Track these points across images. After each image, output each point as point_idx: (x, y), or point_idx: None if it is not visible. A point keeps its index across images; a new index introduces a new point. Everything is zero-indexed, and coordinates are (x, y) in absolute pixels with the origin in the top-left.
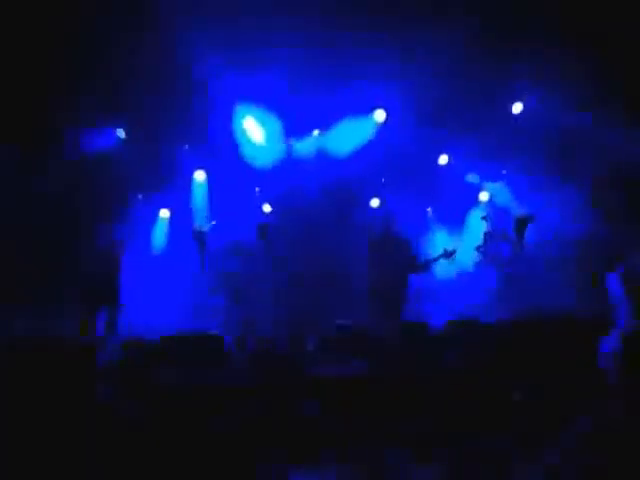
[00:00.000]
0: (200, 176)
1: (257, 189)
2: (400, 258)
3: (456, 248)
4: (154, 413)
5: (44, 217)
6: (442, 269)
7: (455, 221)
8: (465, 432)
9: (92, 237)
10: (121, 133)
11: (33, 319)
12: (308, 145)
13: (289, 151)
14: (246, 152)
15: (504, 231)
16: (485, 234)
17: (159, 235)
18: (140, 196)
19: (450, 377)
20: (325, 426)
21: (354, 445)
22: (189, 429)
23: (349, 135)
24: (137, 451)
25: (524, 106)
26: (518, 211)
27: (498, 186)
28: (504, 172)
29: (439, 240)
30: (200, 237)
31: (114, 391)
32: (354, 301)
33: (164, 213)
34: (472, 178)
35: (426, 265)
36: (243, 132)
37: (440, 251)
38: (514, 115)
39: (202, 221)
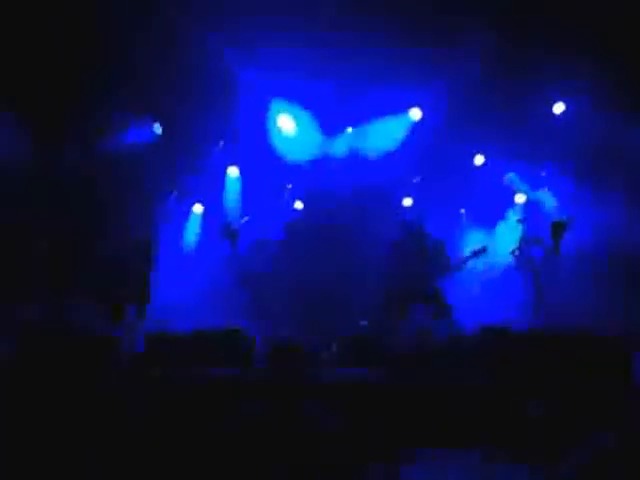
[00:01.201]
0: (233, 172)
1: (289, 186)
2: (429, 258)
3: (486, 245)
4: (167, 409)
5: (77, 212)
6: (472, 271)
7: (489, 223)
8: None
9: (125, 232)
10: (158, 129)
11: (57, 313)
12: (341, 143)
13: (322, 148)
14: (279, 149)
15: (539, 236)
16: (520, 238)
17: (191, 231)
18: (175, 192)
19: (471, 392)
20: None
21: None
22: (202, 425)
23: (383, 133)
24: (146, 447)
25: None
26: (556, 215)
27: (537, 189)
28: (543, 174)
29: (471, 241)
30: (231, 233)
31: (131, 384)
32: (375, 301)
33: (197, 209)
34: (510, 180)
35: (456, 266)
36: (277, 129)
37: (468, 252)
38: (554, 116)
39: (234, 217)
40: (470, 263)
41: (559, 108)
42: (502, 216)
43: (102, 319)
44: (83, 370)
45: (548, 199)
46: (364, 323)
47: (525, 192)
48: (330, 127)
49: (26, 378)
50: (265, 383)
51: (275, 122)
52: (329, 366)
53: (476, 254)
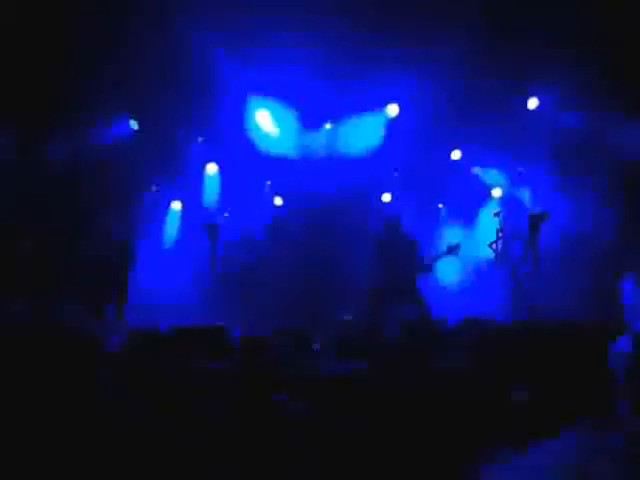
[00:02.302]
0: (212, 169)
1: (268, 182)
2: (406, 258)
3: (460, 242)
4: (154, 405)
5: (53, 209)
6: (451, 266)
7: (467, 218)
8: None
9: (102, 230)
10: (134, 124)
11: (38, 311)
12: (319, 138)
13: (300, 144)
14: (258, 145)
15: (516, 229)
16: (497, 231)
17: (170, 227)
18: (154, 188)
19: (452, 377)
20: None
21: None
22: (184, 420)
23: (361, 129)
24: (137, 446)
25: (539, 102)
26: (532, 208)
27: (511, 182)
28: (520, 169)
29: (450, 237)
30: (211, 229)
31: (115, 381)
32: (358, 298)
33: (176, 205)
34: (482, 173)
35: (430, 264)
36: (255, 125)
37: (443, 248)
38: (529, 111)
39: (213, 213)
40: (444, 259)
41: (533, 103)
42: (479, 211)
43: (84, 318)
44: (68, 369)
45: (524, 193)
46: (348, 317)
47: (497, 185)
48: (308, 122)
49: (11, 379)
50: (245, 378)
51: (253, 118)
52: (311, 361)
53: (450, 251)
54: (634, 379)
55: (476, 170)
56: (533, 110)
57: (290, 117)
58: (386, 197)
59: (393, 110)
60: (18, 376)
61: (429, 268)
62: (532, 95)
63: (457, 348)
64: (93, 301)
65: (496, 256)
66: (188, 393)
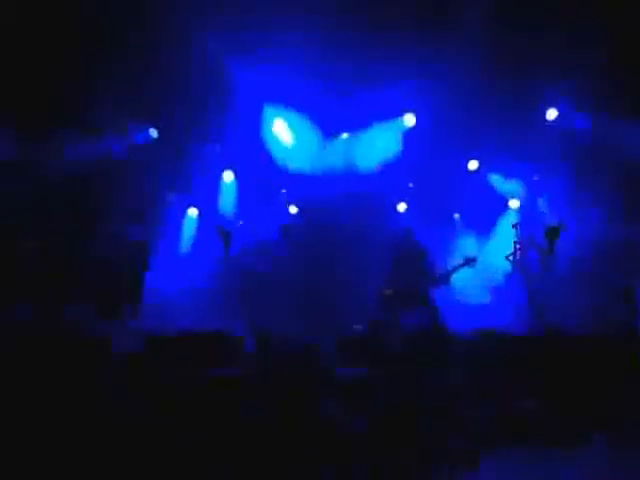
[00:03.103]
0: (229, 176)
1: (283, 190)
2: (420, 269)
3: (477, 255)
4: (161, 409)
5: (74, 214)
6: (467, 277)
7: (484, 227)
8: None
9: (121, 233)
10: (154, 132)
11: (46, 312)
12: (336, 148)
13: (317, 153)
14: (274, 154)
15: (534, 240)
16: (515, 243)
17: (187, 234)
18: (172, 195)
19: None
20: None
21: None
22: (196, 425)
23: (378, 138)
24: (145, 447)
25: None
26: (550, 220)
27: (529, 193)
28: (536, 178)
29: (465, 246)
30: (226, 236)
31: (125, 384)
32: (371, 307)
33: (192, 212)
34: (499, 184)
35: (446, 277)
36: (272, 134)
37: (460, 260)
38: (548, 122)
39: (229, 221)
40: (460, 271)
41: (552, 114)
42: (496, 221)
43: (97, 319)
44: (78, 370)
45: (541, 203)
46: (359, 327)
47: (514, 195)
48: (326, 131)
49: (21, 379)
50: (263, 383)
51: (271, 127)
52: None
53: (467, 262)
54: None
55: (493, 180)
56: (551, 120)
57: (307, 126)
58: (401, 207)
59: (410, 120)
60: (22, 375)
61: (446, 280)
62: (550, 106)
63: (474, 361)
64: (107, 301)
65: (513, 268)
66: (202, 399)
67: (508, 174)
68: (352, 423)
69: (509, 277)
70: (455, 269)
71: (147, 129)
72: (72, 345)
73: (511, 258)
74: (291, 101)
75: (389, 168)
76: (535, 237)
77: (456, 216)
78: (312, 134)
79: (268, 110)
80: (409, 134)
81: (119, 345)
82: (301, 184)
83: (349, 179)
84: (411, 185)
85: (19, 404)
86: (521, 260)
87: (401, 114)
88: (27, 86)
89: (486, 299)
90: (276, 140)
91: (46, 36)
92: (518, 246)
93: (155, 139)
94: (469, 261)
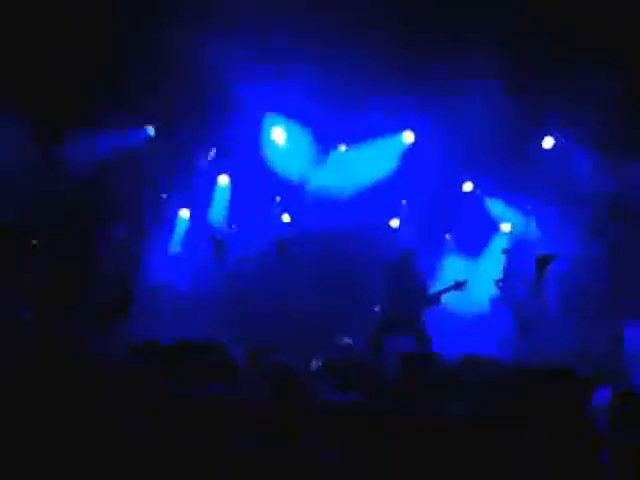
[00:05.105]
0: (223, 180)
1: (277, 198)
2: (413, 291)
3: (467, 279)
4: (153, 424)
5: (64, 216)
6: (455, 301)
7: (474, 250)
8: None
9: (110, 236)
10: (151, 131)
11: (39, 323)
12: (333, 160)
13: (313, 164)
14: (271, 161)
15: (523, 269)
16: (504, 270)
17: (178, 235)
18: (164, 196)
19: (453, 425)
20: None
21: None
22: (187, 446)
23: (375, 154)
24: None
25: (555, 141)
26: (540, 249)
27: (522, 220)
28: (529, 207)
29: (455, 267)
30: (219, 241)
31: (111, 396)
32: (361, 322)
33: (184, 213)
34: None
35: (435, 298)
36: (270, 141)
37: (451, 282)
38: (543, 150)
39: (221, 225)
40: (449, 294)
41: (548, 143)
42: (487, 244)
43: (86, 332)
44: (62, 384)
45: (533, 230)
46: (348, 341)
47: (506, 220)
48: (324, 143)
49: (19, 385)
50: (262, 408)
51: (269, 135)
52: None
53: (457, 286)
54: (613, 433)
55: (486, 203)
56: (547, 149)
57: (305, 137)
58: (394, 222)
59: (408, 137)
60: (13, 387)
61: (436, 301)
62: (548, 133)
63: (456, 390)
64: (100, 315)
65: (501, 294)
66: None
67: (502, 198)
68: (335, 456)
69: (496, 302)
70: (445, 290)
71: (145, 128)
72: (55, 359)
73: (500, 284)
74: (290, 112)
75: (385, 183)
76: (523, 268)
77: (447, 236)
78: (309, 145)
79: (268, 118)
80: (406, 152)
81: (106, 358)
82: (296, 194)
83: (344, 192)
84: (404, 202)
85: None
86: (509, 287)
87: (400, 131)
88: (26, 86)
89: (471, 321)
90: (273, 148)
91: (44, 35)
92: (507, 273)
93: (152, 139)
94: (460, 285)
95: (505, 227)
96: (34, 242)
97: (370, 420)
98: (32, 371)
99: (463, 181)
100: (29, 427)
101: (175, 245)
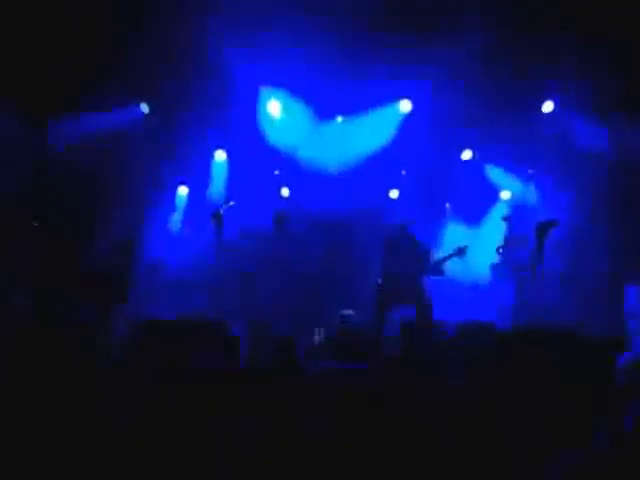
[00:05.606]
0: (221, 156)
1: (276, 172)
2: (414, 260)
3: (467, 245)
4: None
5: (63, 199)
6: (457, 268)
7: (474, 218)
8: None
9: (108, 220)
10: (145, 108)
11: (40, 309)
12: (330, 131)
13: (311, 136)
14: (268, 135)
15: (524, 236)
16: (505, 236)
17: (177, 212)
18: (161, 173)
19: (453, 394)
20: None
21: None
22: (189, 420)
23: (373, 124)
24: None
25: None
26: (541, 214)
27: (522, 185)
28: (530, 172)
29: (455, 236)
30: (217, 217)
31: (118, 374)
32: (362, 294)
33: (182, 191)
34: (492, 174)
35: (438, 266)
36: (266, 115)
37: (451, 250)
38: (543, 114)
39: (220, 201)
40: (450, 261)
41: (548, 107)
42: (487, 212)
43: (87, 311)
44: (69, 363)
45: (533, 196)
46: (349, 312)
47: (506, 187)
48: (320, 115)
49: (16, 368)
50: (253, 374)
51: (265, 108)
52: (312, 357)
53: (458, 252)
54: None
55: (486, 171)
56: (547, 113)
57: (301, 109)
58: (394, 193)
59: (406, 106)
60: (13, 374)
61: (439, 270)
62: (547, 98)
63: (456, 358)
64: (99, 299)
65: (502, 260)
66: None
67: (502, 165)
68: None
69: (497, 269)
70: (446, 258)
71: (138, 105)
72: (58, 344)
73: (501, 251)
74: (287, 83)
75: (383, 153)
76: (525, 233)
77: (447, 205)
78: (306, 117)
79: (263, 91)
80: (404, 121)
81: (110, 335)
82: (294, 167)
83: (342, 163)
84: (404, 172)
85: (13, 394)
86: (510, 254)
87: (397, 100)
88: (23, 69)
89: (472, 288)
90: (270, 121)
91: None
92: (508, 239)
93: (147, 116)
94: (460, 251)
95: (505, 194)
96: (34, 224)
97: (371, 389)
98: (31, 355)
99: (462, 149)
100: (28, 414)
101: (175, 223)
